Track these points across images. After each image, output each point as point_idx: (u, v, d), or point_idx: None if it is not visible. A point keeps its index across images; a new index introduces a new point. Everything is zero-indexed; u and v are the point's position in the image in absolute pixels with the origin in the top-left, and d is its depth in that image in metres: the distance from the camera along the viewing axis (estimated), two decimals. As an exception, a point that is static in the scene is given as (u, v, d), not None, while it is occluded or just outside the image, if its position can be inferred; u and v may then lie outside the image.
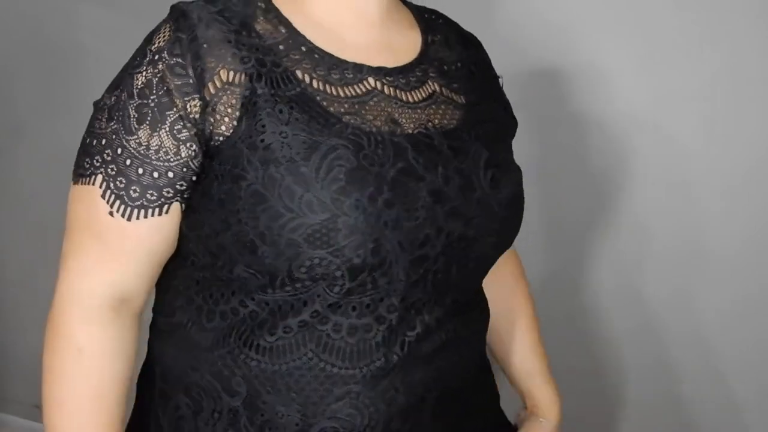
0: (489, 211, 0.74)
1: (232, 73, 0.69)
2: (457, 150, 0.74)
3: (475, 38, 0.89)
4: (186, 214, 0.72)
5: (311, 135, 0.69)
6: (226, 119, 0.69)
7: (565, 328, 1.42)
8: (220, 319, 0.74)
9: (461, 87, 0.80)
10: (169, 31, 0.71)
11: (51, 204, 1.80)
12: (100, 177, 0.71)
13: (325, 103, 0.71)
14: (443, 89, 0.79)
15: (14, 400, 1.97)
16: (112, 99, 0.73)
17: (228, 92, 0.69)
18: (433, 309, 0.75)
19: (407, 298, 0.72)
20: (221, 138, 0.69)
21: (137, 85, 0.71)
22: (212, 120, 0.69)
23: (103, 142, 0.71)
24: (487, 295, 0.89)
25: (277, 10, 0.75)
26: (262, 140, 0.68)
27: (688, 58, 1.25)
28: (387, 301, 0.72)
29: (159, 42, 0.71)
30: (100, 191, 0.71)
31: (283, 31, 0.73)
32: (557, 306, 1.33)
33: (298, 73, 0.71)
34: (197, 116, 0.69)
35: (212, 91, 0.69)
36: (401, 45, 0.79)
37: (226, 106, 0.69)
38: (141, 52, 0.72)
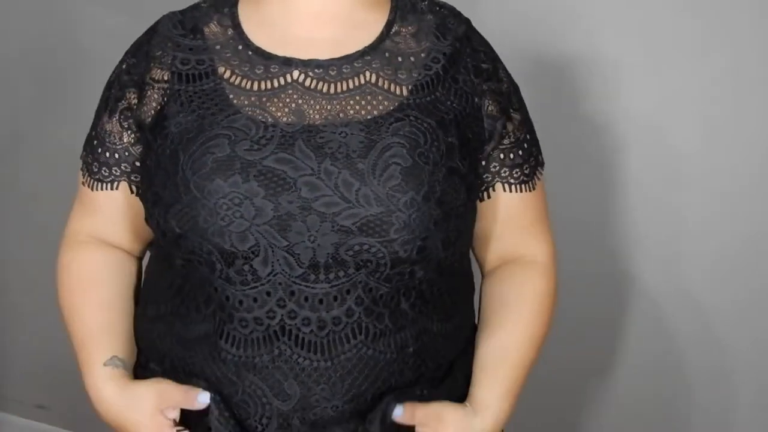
0: (378, 209, 0.73)
1: (160, 71, 0.81)
2: (363, 141, 0.75)
3: (462, 30, 0.85)
4: None
5: (200, 125, 0.76)
6: (152, 112, 0.81)
7: (563, 326, 1.42)
8: (169, 288, 0.83)
9: (409, 78, 0.80)
10: (141, 36, 0.86)
11: (51, 205, 1.80)
12: (84, 153, 0.88)
13: (231, 96, 0.78)
14: (381, 80, 0.79)
15: (15, 399, 1.97)
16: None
17: (154, 87, 0.81)
18: (332, 306, 0.75)
19: (297, 293, 0.74)
20: (146, 128, 0.81)
21: (110, 79, 0.87)
22: (142, 111, 0.82)
23: (92, 124, 0.88)
24: (490, 291, 0.89)
25: (235, 14, 0.84)
26: (162, 129, 0.79)
27: (689, 60, 1.25)
28: (275, 295, 0.74)
29: (133, 45, 0.87)
30: (81, 164, 0.88)
31: (230, 32, 0.82)
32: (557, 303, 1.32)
33: (220, 70, 0.80)
34: (135, 107, 0.82)
35: (144, 86, 0.82)
36: (351, 38, 0.82)
37: (151, 99, 0.81)
38: (127, 50, 0.87)
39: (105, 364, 0.82)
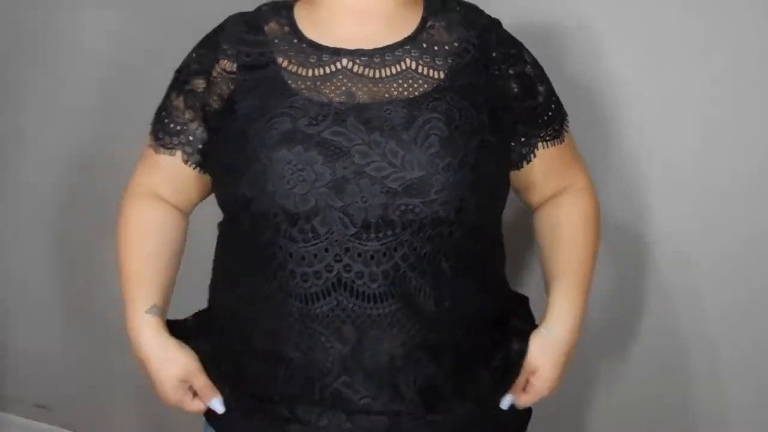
0: (419, 173, 0.85)
1: (228, 63, 0.96)
2: (406, 116, 0.88)
3: (485, 22, 0.99)
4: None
5: (265, 106, 0.90)
6: (220, 98, 0.95)
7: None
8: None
9: (444, 64, 0.93)
10: (210, 32, 1.00)
11: (51, 205, 1.80)
12: (153, 119, 1.02)
13: (290, 81, 0.91)
14: (420, 66, 0.92)
15: (15, 399, 1.97)
16: None
17: (223, 76, 0.95)
18: (382, 261, 0.86)
19: (351, 249, 0.86)
20: (212, 111, 0.96)
21: (182, 64, 1.02)
22: (211, 97, 0.96)
23: (163, 97, 1.02)
24: (543, 219, 1.05)
25: (291, 14, 0.98)
26: (231, 113, 0.93)
27: (689, 60, 1.25)
28: (332, 251, 0.86)
29: (203, 38, 1.01)
30: (150, 127, 1.02)
31: (287, 29, 0.96)
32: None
33: (279, 60, 0.93)
34: (201, 92, 0.97)
35: (214, 74, 0.96)
36: (390, 32, 0.94)
37: (221, 86, 0.95)
38: (198, 42, 1.01)
39: (146, 312, 0.97)
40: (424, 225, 0.86)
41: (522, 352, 0.99)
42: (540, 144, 1.00)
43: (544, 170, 1.02)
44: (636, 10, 1.25)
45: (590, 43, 1.28)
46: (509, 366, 1.00)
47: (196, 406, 0.99)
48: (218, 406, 0.98)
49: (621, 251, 1.38)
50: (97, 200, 1.71)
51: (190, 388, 0.99)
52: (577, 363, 1.45)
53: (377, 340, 0.88)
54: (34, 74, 1.69)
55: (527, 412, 1.06)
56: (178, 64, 1.54)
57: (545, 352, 0.98)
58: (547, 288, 1.04)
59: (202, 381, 0.98)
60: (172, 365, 0.97)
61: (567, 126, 1.04)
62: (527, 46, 1.03)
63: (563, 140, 1.03)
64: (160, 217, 1.03)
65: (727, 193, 1.29)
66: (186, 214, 1.07)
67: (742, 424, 1.39)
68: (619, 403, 1.47)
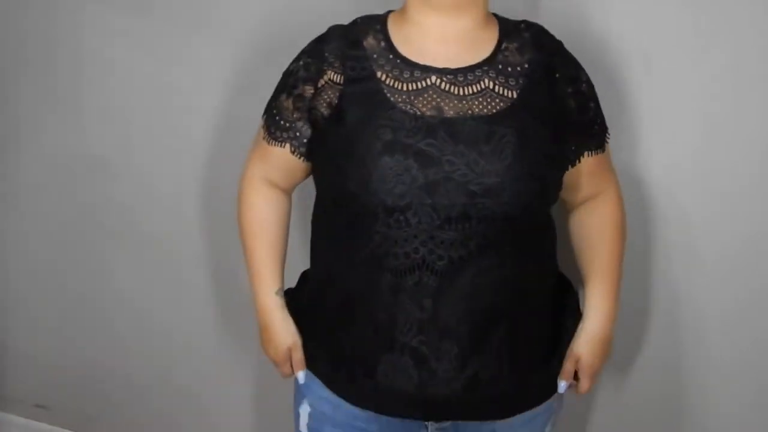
0: (496, 179, 1.02)
1: (334, 74, 1.10)
2: (486, 131, 1.04)
3: (553, 45, 1.13)
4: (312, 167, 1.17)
5: (369, 117, 1.05)
6: (328, 104, 1.10)
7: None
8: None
9: (517, 84, 1.07)
10: (314, 41, 1.15)
11: (51, 205, 1.80)
12: (264, 115, 1.19)
13: (388, 95, 1.06)
14: (497, 86, 1.07)
15: (15, 399, 1.97)
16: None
17: (330, 85, 1.10)
18: (458, 248, 1.03)
19: (435, 237, 1.03)
20: (321, 116, 1.11)
21: (289, 68, 1.16)
22: (319, 102, 1.11)
23: (272, 95, 1.18)
24: (579, 223, 1.22)
25: (386, 30, 1.12)
26: (339, 120, 1.08)
27: (689, 56, 1.25)
28: (420, 237, 1.03)
29: (308, 46, 1.15)
30: (263, 122, 1.19)
31: (383, 45, 1.10)
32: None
33: (378, 74, 1.08)
34: (310, 97, 1.12)
35: (321, 83, 1.11)
36: (471, 52, 1.09)
37: (329, 94, 1.10)
38: (303, 49, 1.16)
39: (276, 293, 1.22)
40: (495, 219, 1.03)
41: (573, 328, 1.18)
42: (586, 153, 1.15)
43: (584, 174, 1.16)
44: (635, 6, 1.26)
45: (590, 40, 1.28)
46: (561, 337, 1.18)
47: (287, 370, 1.23)
48: (302, 377, 1.20)
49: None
50: (97, 200, 1.71)
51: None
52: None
53: (450, 309, 1.05)
54: (34, 74, 1.68)
55: (553, 388, 1.19)
56: (180, 63, 1.54)
57: (587, 341, 1.17)
58: (584, 283, 1.21)
59: (299, 354, 1.21)
60: (288, 337, 1.21)
61: (608, 139, 1.18)
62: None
63: (604, 150, 1.18)
64: (275, 205, 1.24)
65: (727, 193, 1.29)
66: (290, 193, 1.27)
67: (742, 424, 1.39)
68: (620, 402, 1.47)
